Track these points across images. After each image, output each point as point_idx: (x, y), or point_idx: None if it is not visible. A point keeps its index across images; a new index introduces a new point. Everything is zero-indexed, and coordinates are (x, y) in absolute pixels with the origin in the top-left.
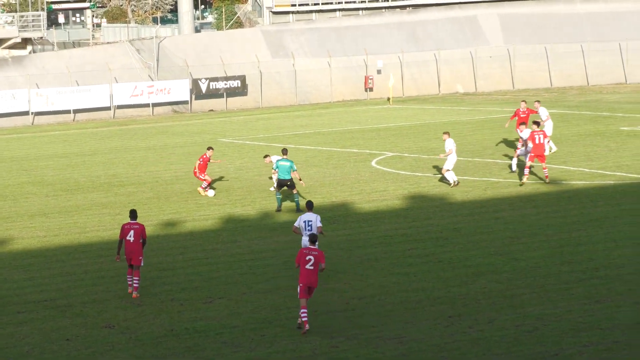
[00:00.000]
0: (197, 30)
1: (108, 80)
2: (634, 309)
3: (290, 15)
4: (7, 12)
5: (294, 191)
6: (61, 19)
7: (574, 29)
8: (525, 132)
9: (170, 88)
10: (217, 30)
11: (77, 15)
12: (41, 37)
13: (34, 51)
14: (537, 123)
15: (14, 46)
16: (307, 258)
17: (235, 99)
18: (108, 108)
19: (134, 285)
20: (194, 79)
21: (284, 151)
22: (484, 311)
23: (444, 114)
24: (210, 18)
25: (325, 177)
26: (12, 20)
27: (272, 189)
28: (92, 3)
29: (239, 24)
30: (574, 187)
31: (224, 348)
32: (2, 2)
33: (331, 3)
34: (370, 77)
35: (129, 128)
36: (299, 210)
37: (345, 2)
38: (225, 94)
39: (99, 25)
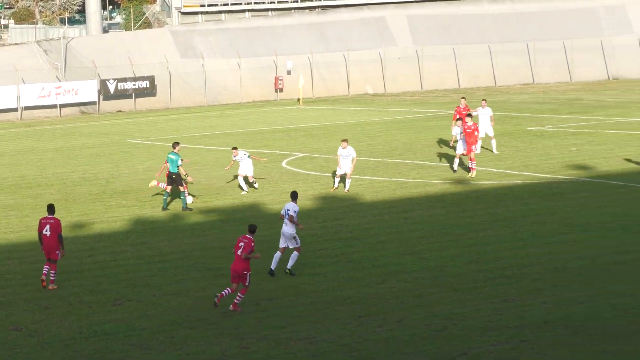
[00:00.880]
0: (105, 31)
1: (15, 82)
2: (542, 307)
3: (200, 15)
4: None
5: (182, 188)
6: None
7: (481, 30)
8: (456, 129)
9: (78, 89)
10: (126, 30)
11: None
12: None
13: None
14: (470, 115)
15: None
16: (240, 244)
17: (144, 99)
18: (15, 109)
19: (50, 277)
20: (101, 80)
21: (175, 144)
22: (393, 311)
23: (353, 115)
24: (118, 18)
25: (235, 178)
26: None
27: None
28: None
29: (147, 25)
30: (482, 187)
31: (132, 350)
32: None
33: (240, 4)
34: (280, 78)
35: (36, 129)
36: (185, 209)
37: (255, 3)
38: (133, 94)
39: (6, 26)
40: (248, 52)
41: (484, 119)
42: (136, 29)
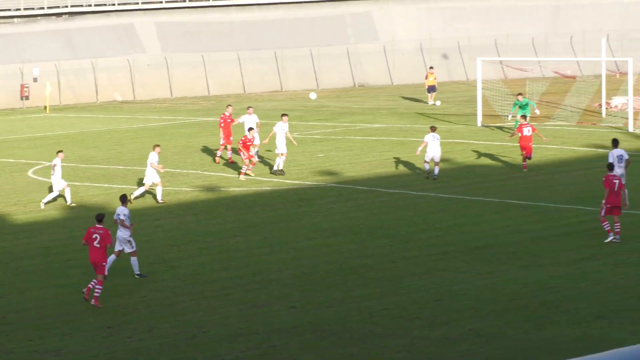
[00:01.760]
0: None
1: None
2: (290, 312)
3: None
4: None
5: None
6: None
7: (230, 38)
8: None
9: None
10: None
11: None
12: None
13: None
14: (251, 129)
15: None
16: (94, 237)
17: None
18: None
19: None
20: None
21: None
22: (143, 320)
23: (102, 123)
24: None
25: None
26: None
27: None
28: None
29: None
30: (232, 193)
31: None
32: None
33: None
34: (26, 86)
35: None
36: None
37: (0, 10)
38: None
39: None
40: None
41: (251, 124)
42: None
